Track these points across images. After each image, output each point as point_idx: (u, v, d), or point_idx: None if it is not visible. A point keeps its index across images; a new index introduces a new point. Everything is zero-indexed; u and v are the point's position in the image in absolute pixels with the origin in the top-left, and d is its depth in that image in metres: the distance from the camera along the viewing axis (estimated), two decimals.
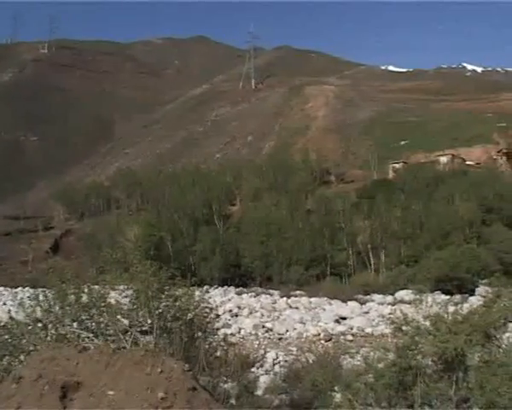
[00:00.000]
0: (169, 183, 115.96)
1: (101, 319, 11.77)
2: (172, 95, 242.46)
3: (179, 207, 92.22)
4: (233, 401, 15.41)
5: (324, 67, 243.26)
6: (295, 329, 42.13)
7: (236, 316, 47.16)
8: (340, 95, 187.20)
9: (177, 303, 12.26)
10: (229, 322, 43.19)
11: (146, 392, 5.26)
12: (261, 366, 30.31)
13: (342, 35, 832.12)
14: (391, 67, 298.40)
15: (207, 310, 13.54)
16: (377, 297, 56.94)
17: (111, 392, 5.27)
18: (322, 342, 38.59)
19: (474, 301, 36.80)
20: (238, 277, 76.89)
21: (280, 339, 40.10)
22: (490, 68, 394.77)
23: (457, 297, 49.91)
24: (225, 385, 15.12)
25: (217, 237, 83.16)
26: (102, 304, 11.96)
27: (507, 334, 11.88)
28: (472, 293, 52.21)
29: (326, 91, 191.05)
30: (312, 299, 55.26)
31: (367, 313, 48.48)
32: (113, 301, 12.39)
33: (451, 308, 12.21)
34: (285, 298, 56.34)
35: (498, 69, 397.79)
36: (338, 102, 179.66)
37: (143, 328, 11.69)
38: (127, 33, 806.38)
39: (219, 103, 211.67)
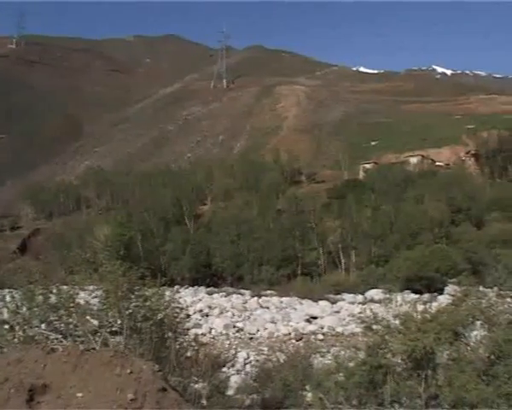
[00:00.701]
0: (139, 182, 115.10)
1: (70, 320, 11.60)
2: (143, 93, 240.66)
3: (150, 206, 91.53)
4: (204, 402, 15.36)
5: (296, 68, 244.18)
6: (266, 328, 42.18)
7: (207, 316, 47.04)
8: (312, 95, 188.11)
9: (148, 303, 12.16)
10: (200, 322, 43.05)
11: (115, 393, 5.18)
12: (232, 365, 30.31)
13: (314, 36, 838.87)
14: (362, 68, 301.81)
15: (178, 310, 13.47)
16: (348, 297, 57.26)
17: (79, 394, 5.18)
18: (293, 341, 38.75)
19: (443, 299, 37.32)
20: (209, 277, 76.60)
21: (251, 339, 40.13)
22: (459, 71, 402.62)
23: (426, 296, 50.67)
24: (196, 385, 15.06)
25: (187, 237, 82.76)
26: (71, 305, 11.80)
27: (474, 332, 12.06)
28: (441, 292, 52.87)
29: (297, 91, 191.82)
30: (283, 299, 55.35)
31: (338, 312, 48.77)
32: (82, 301, 12.24)
33: (420, 307, 12.35)
34: (256, 298, 56.30)
35: (467, 72, 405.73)
36: (309, 103, 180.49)
37: (113, 328, 11.56)
38: (98, 31, 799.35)
39: (191, 102, 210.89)
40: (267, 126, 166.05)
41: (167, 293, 13.57)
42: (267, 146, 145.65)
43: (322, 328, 42.69)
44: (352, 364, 11.75)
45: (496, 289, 13.18)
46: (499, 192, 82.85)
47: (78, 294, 12.38)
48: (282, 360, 24.44)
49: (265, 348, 35.88)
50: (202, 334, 35.87)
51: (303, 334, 40.74)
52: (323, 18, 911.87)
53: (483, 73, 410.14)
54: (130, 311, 11.71)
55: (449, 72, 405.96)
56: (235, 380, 25.07)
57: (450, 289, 47.05)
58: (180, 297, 22.91)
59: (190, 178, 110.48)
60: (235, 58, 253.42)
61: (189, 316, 15.27)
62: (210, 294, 61.46)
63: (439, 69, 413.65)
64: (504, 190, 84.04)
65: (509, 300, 12.15)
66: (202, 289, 67.58)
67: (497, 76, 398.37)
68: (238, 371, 29.10)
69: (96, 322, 11.61)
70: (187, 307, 17.31)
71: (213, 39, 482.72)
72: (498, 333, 11.48)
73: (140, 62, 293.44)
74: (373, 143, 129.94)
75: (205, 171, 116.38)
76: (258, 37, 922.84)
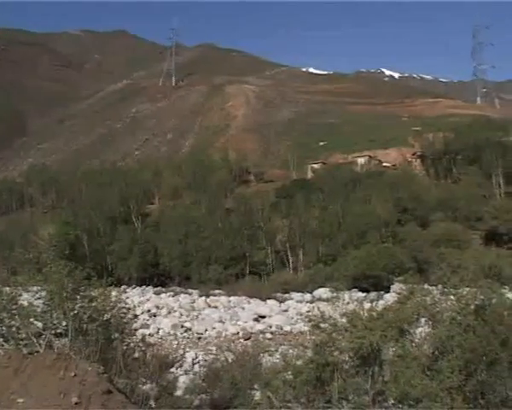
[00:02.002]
0: (86, 180, 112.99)
1: (13, 323, 11.28)
2: (91, 89, 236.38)
3: (96, 205, 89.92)
4: (152, 403, 15.20)
5: (246, 67, 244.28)
6: (214, 328, 42.10)
7: (155, 316, 46.61)
8: (261, 95, 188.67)
9: (94, 304, 11.95)
10: (148, 322, 42.66)
11: (59, 397, 5.02)
12: (180, 366, 30.11)
13: (264, 36, 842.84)
14: (311, 69, 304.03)
15: (125, 310, 13.29)
16: (296, 296, 57.70)
17: (20, 399, 4.99)
18: (242, 340, 38.79)
19: (389, 298, 38.03)
20: (156, 276, 75.92)
21: (199, 339, 39.97)
22: (406, 74, 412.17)
23: (373, 294, 51.60)
24: (144, 387, 14.87)
25: (135, 236, 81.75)
26: (14, 307, 11.48)
27: (419, 329, 12.32)
28: (387, 290, 53.88)
29: (247, 91, 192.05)
30: (231, 298, 55.38)
31: (286, 311, 49.12)
32: (25, 303, 11.92)
33: (367, 305, 12.53)
34: (204, 297, 56.15)
35: (414, 75, 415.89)
36: (258, 102, 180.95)
37: (58, 330, 11.31)
38: (44, 24, 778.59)
39: (139, 100, 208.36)
40: (216, 125, 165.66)
41: (114, 293, 13.36)
42: (216, 145, 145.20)
43: (270, 327, 42.90)
44: (299, 362, 11.82)
45: (440, 286, 13.47)
46: (444, 193, 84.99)
47: (21, 295, 12.06)
48: (230, 360, 24.42)
49: (214, 348, 35.81)
50: (150, 334, 35.54)
51: (251, 333, 40.83)
52: (274, 18, 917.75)
53: (429, 77, 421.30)
54: (76, 312, 11.50)
55: (396, 75, 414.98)
56: (183, 380, 24.91)
57: (396, 287, 48.03)
58: (127, 297, 22.61)
59: (138, 177, 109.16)
60: (184, 56, 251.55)
61: (136, 316, 15.08)
62: (157, 294, 60.95)
63: (387, 72, 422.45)
64: (449, 190, 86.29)
65: (452, 297, 12.46)
66: (150, 288, 66.95)
67: (443, 80, 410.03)
68: (186, 372, 28.93)
69: (40, 324, 11.33)
70: (134, 307, 17.10)
71: (163, 36, 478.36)
72: (442, 330, 11.77)
73: (88, 58, 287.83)
74: (321, 144, 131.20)
75: (153, 169, 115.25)
76: (208, 35, 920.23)
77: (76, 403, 5.02)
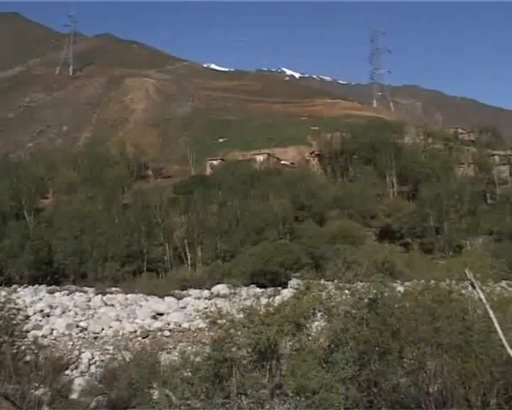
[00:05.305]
0: None
1: None
2: None
3: None
4: (46, 408, 14.66)
5: (146, 60, 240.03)
6: (111, 327, 41.31)
7: (48, 316, 44.90)
8: (161, 89, 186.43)
9: None
10: (41, 323, 41.02)
11: None
12: (76, 367, 29.32)
13: (166, 29, 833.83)
14: (213, 66, 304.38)
15: (15, 311, 12.73)
16: (194, 292, 57.79)
17: None
18: (139, 339, 38.39)
19: (287, 293, 38.83)
20: (50, 274, 73.25)
21: (95, 338, 39.05)
22: (307, 75, 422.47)
23: (270, 290, 52.47)
24: (37, 391, 14.30)
25: (27, 233, 78.59)
26: None
27: (316, 323, 12.68)
28: (285, 286, 55.03)
29: (147, 84, 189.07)
30: (128, 296, 54.68)
31: (184, 308, 49.15)
32: None
33: (264, 301, 12.73)
34: (100, 295, 54.98)
35: (314, 76, 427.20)
36: (158, 97, 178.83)
37: None
38: None
39: (33, 89, 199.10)
40: (114, 119, 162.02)
41: (3, 293, 12.79)
42: (114, 139, 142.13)
43: (168, 324, 42.72)
44: (198, 359, 11.82)
45: (335, 281, 13.95)
46: (340, 191, 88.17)
47: None
48: (127, 359, 24.13)
49: (111, 348, 35.19)
50: (43, 336, 34.35)
51: (149, 331, 40.47)
52: (176, 12, 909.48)
53: (329, 79, 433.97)
54: None
55: (297, 75, 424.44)
56: (79, 382, 24.29)
57: (293, 282, 49.16)
58: (18, 297, 21.69)
59: (31, 170, 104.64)
60: (83, 45, 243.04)
61: (27, 317, 14.57)
62: (51, 292, 58.91)
63: (288, 72, 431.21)
64: (345, 189, 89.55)
65: (346, 292, 12.92)
66: (43, 287, 64.61)
67: (341, 82, 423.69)
68: (82, 373, 28.19)
69: None
70: (25, 307, 16.44)
71: (59, 23, 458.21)
72: (337, 323, 12.17)
73: None
74: (220, 140, 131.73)
75: (47, 162, 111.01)
76: (108, 26, 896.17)
77: None
